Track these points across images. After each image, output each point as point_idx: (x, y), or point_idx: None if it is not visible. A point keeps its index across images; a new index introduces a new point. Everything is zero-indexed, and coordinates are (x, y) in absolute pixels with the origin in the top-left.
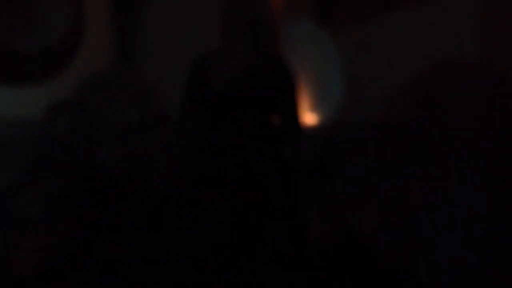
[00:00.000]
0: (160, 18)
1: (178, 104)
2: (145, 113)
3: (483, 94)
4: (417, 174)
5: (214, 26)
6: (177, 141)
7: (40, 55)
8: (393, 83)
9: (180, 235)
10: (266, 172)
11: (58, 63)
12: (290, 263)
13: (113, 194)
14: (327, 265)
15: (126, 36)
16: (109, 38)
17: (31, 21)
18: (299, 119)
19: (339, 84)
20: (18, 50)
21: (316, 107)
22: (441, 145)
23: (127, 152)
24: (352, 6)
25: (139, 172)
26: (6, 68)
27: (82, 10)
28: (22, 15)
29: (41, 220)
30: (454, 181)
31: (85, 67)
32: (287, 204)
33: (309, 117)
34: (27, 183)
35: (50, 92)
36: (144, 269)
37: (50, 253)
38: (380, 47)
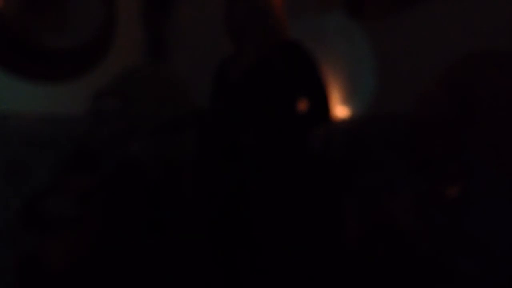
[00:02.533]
0: (191, 15)
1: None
2: (179, 110)
3: None
4: (452, 167)
5: None
6: (205, 136)
7: (72, 52)
8: (426, 76)
9: (211, 231)
10: (297, 164)
11: (90, 61)
12: (324, 257)
13: (145, 192)
14: (361, 259)
15: (157, 33)
16: (140, 36)
17: (63, 18)
18: (327, 98)
19: (371, 77)
20: (50, 46)
21: (348, 100)
22: (476, 138)
23: (159, 149)
24: None
25: (171, 169)
26: (37, 65)
27: (114, 9)
28: (54, 12)
29: (73, 218)
30: (490, 176)
31: (117, 65)
32: (320, 197)
33: (341, 111)
34: (58, 182)
35: (82, 90)
36: (175, 266)
37: (82, 250)
38: (412, 39)
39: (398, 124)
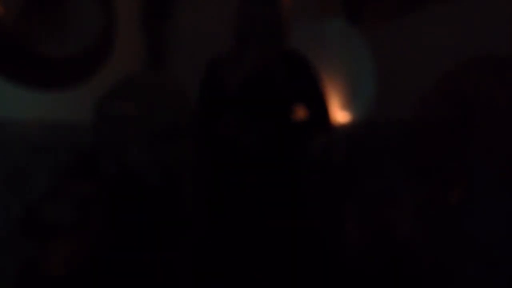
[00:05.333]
0: (191, 20)
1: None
2: (178, 116)
3: None
4: (452, 172)
5: None
6: (200, 146)
7: (71, 59)
8: (425, 81)
9: (210, 235)
10: (297, 170)
11: (90, 68)
12: (324, 263)
13: (143, 199)
14: (361, 265)
15: (157, 39)
16: (140, 42)
17: (63, 25)
18: (326, 108)
19: (371, 82)
20: (50, 53)
21: (348, 106)
22: (476, 142)
23: (159, 155)
24: (383, 4)
25: (169, 177)
26: (37, 72)
27: (114, 15)
28: (54, 19)
29: (72, 225)
30: (490, 179)
31: (116, 72)
32: (320, 202)
33: (340, 116)
34: (58, 188)
35: (81, 97)
36: (174, 275)
37: (81, 256)
38: (411, 45)
39: (398, 129)
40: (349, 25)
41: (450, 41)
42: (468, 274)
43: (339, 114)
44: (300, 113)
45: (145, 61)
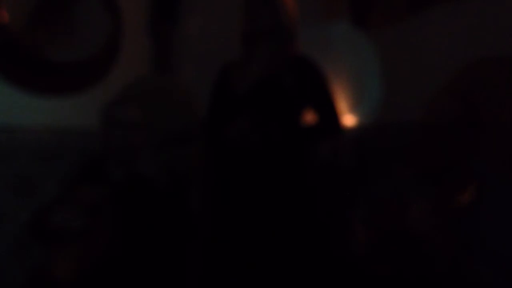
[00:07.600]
0: (198, 25)
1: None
2: (185, 122)
3: None
4: (461, 174)
5: None
6: (208, 149)
7: (78, 65)
8: (432, 83)
9: (216, 243)
10: (305, 174)
11: (97, 73)
12: (332, 266)
13: (152, 205)
14: (370, 268)
15: (164, 44)
16: (147, 47)
17: (70, 31)
18: (336, 113)
19: (378, 85)
20: (57, 59)
21: (355, 109)
22: (484, 143)
23: (167, 161)
24: (388, 7)
25: (178, 182)
26: (44, 78)
27: (120, 21)
28: (61, 25)
29: (81, 231)
30: (500, 180)
31: (124, 77)
32: (328, 205)
33: (348, 119)
34: (67, 195)
35: (88, 103)
36: (182, 280)
37: (89, 263)
38: (418, 47)
39: (405, 131)
40: (355, 28)
41: (456, 43)
42: (478, 275)
43: (347, 117)
44: (310, 117)
45: (152, 66)
